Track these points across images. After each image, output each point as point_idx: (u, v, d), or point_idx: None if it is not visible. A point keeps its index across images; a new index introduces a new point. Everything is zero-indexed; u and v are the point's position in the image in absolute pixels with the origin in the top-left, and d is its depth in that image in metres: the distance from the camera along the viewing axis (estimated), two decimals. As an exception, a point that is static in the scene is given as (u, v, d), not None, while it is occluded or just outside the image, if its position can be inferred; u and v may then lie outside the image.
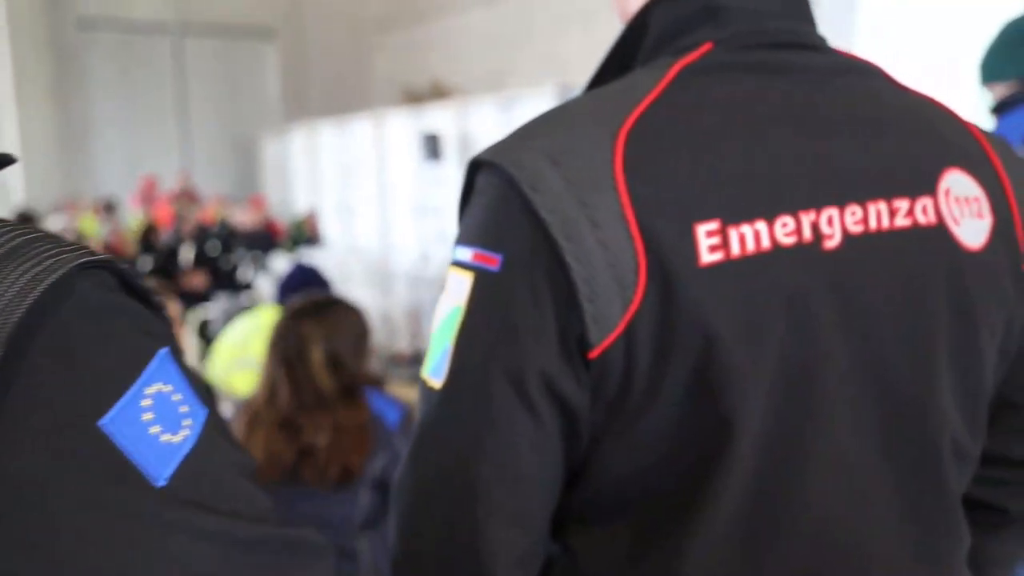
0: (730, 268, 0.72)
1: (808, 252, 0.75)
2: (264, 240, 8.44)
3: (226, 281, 7.40)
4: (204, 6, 14.88)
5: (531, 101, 10.64)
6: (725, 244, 0.72)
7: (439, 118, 11.92)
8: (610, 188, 0.72)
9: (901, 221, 0.79)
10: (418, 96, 13.80)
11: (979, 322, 0.83)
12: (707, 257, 0.72)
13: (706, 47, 0.81)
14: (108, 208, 10.47)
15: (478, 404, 0.71)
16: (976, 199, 0.84)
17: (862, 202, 0.78)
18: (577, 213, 0.71)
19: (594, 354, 0.71)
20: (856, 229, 0.77)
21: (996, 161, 0.88)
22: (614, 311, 0.71)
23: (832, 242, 0.76)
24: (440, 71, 14.39)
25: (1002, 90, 2.32)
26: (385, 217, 13.06)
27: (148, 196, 11.45)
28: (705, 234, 0.72)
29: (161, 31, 14.72)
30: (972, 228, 0.83)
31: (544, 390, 0.71)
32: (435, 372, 0.75)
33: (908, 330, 0.79)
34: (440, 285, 0.89)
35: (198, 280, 7.35)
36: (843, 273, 0.77)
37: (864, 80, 0.85)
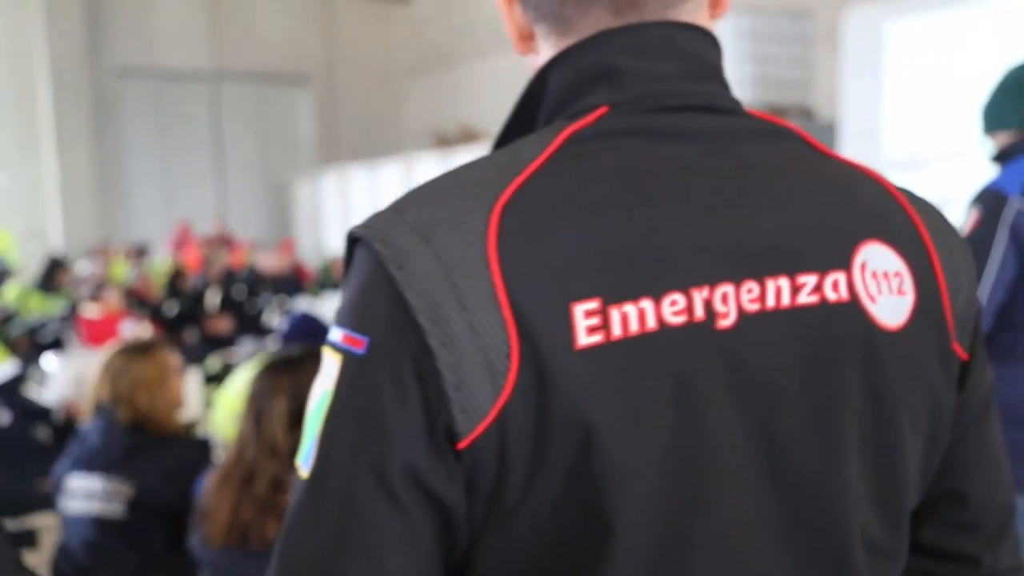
0: (611, 351, 0.67)
1: (700, 332, 0.70)
2: (291, 284, 8.50)
3: (251, 325, 7.44)
4: (240, 54, 15.16)
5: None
6: (605, 325, 0.67)
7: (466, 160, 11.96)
8: (482, 267, 0.67)
9: (806, 298, 0.74)
10: (447, 140, 13.90)
11: (897, 407, 0.76)
12: (584, 339, 0.67)
13: (600, 111, 0.76)
14: (139, 253, 10.62)
15: (342, 500, 0.67)
16: (897, 274, 0.78)
17: (760, 278, 0.72)
18: (446, 294, 0.66)
19: (463, 445, 0.66)
20: (752, 307, 0.72)
21: (924, 233, 0.81)
22: (484, 399, 0.66)
23: (726, 321, 0.71)
24: (468, 115, 14.49)
25: (1004, 138, 2.27)
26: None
27: (182, 241, 11.60)
28: (583, 314, 0.67)
29: (198, 79, 15.00)
30: (891, 305, 0.77)
31: (412, 485, 0.66)
32: (304, 460, 0.70)
33: (812, 415, 0.73)
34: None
35: (223, 324, 7.40)
36: (739, 354, 0.71)
37: (779, 145, 0.79)
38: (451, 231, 0.69)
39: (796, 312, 0.74)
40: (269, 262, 8.20)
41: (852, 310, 0.75)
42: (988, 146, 2.38)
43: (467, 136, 13.63)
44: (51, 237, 13.15)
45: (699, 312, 0.70)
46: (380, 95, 16.46)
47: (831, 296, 0.75)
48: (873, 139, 7.99)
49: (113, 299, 6.64)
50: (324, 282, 9.16)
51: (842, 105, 8.39)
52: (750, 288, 0.72)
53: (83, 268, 9.22)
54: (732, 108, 0.80)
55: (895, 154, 7.59)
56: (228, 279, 8.07)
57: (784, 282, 0.73)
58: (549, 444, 0.67)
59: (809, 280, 0.74)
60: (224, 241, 10.78)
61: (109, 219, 13.82)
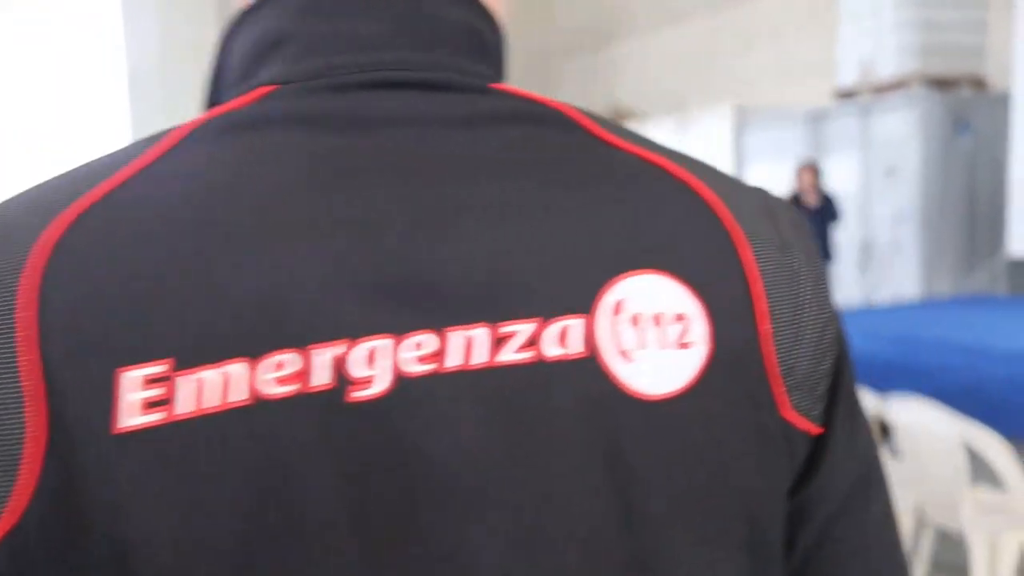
0: (170, 436, 0.47)
1: (318, 405, 0.48)
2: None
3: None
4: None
5: (708, 122, 10.26)
6: (170, 399, 0.47)
7: (615, 142, 11.72)
8: (7, 320, 0.48)
9: (512, 355, 0.51)
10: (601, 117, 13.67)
11: (670, 516, 0.54)
12: (132, 419, 0.47)
13: (260, 92, 0.55)
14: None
15: None
16: (680, 317, 0.54)
17: (439, 328, 0.50)
18: None
19: None
20: (420, 369, 0.50)
21: (746, 255, 0.57)
22: None
23: (369, 389, 0.49)
24: (622, 94, 14.18)
25: None
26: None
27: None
28: (137, 383, 0.47)
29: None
30: (660, 363, 0.53)
31: None
32: None
33: (517, 537, 0.51)
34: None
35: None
36: (390, 440, 0.49)
37: (527, 135, 0.57)
38: None
39: (494, 374, 0.51)
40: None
41: (587, 372, 0.52)
42: None
43: (619, 115, 13.35)
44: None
45: (321, 377, 0.48)
46: (535, 79, 16.39)
47: (552, 352, 0.52)
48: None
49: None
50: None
51: (1017, 75, 7.61)
52: (419, 342, 0.50)
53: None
54: (466, 84, 0.57)
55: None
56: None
57: (480, 333, 0.51)
58: (82, 563, 0.47)
59: (521, 329, 0.52)
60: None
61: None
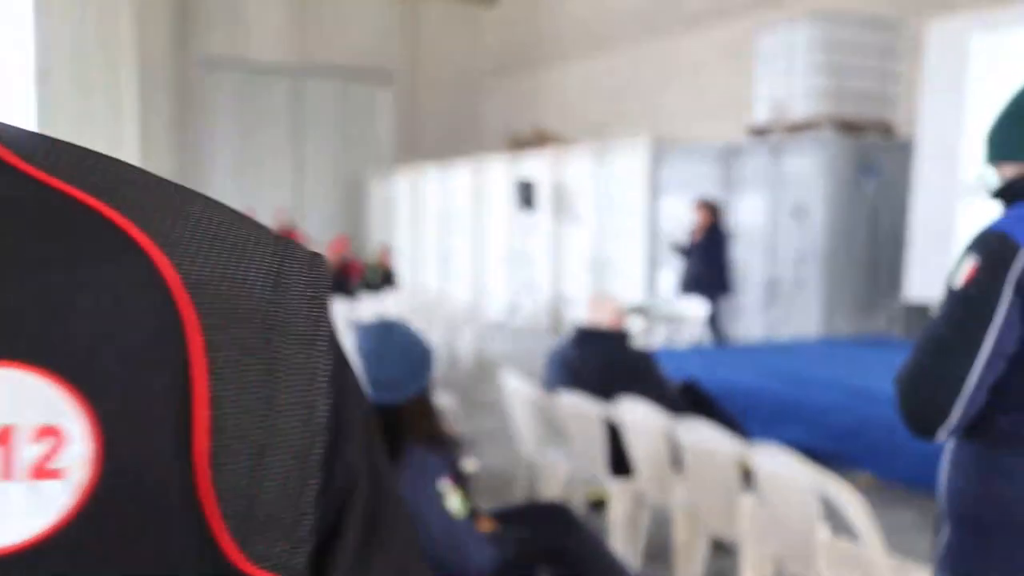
0: None
1: None
2: (338, 281, 8.37)
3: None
4: (324, 50, 15.27)
5: (625, 152, 10.34)
6: None
7: (536, 166, 11.73)
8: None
9: None
10: (522, 142, 13.68)
11: None
12: None
13: None
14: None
15: None
16: (49, 431, 0.38)
17: None
18: None
19: None
20: None
21: (196, 348, 0.41)
22: None
23: None
24: (545, 118, 14.24)
25: (1012, 171, 1.84)
26: (478, 263, 12.95)
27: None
28: None
29: (281, 72, 15.14)
30: (4, 499, 0.38)
31: None
32: None
33: None
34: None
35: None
36: None
37: None
38: None
39: None
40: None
41: None
42: (990, 177, 1.93)
43: (540, 139, 13.38)
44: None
45: None
46: (461, 96, 16.36)
47: None
48: (951, 160, 7.42)
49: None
50: (370, 280, 8.94)
51: (921, 123, 7.83)
52: None
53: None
54: None
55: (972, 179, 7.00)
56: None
57: None
58: None
59: None
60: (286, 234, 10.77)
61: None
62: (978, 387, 1.61)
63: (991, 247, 1.66)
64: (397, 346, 2.52)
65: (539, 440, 4.21)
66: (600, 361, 3.83)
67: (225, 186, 14.68)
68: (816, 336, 8.03)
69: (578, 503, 4.10)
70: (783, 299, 8.53)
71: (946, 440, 1.71)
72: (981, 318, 1.62)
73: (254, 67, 14.95)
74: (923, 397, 1.65)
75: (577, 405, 3.77)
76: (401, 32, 15.94)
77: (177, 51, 13.91)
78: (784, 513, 2.65)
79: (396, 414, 2.47)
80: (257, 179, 15.13)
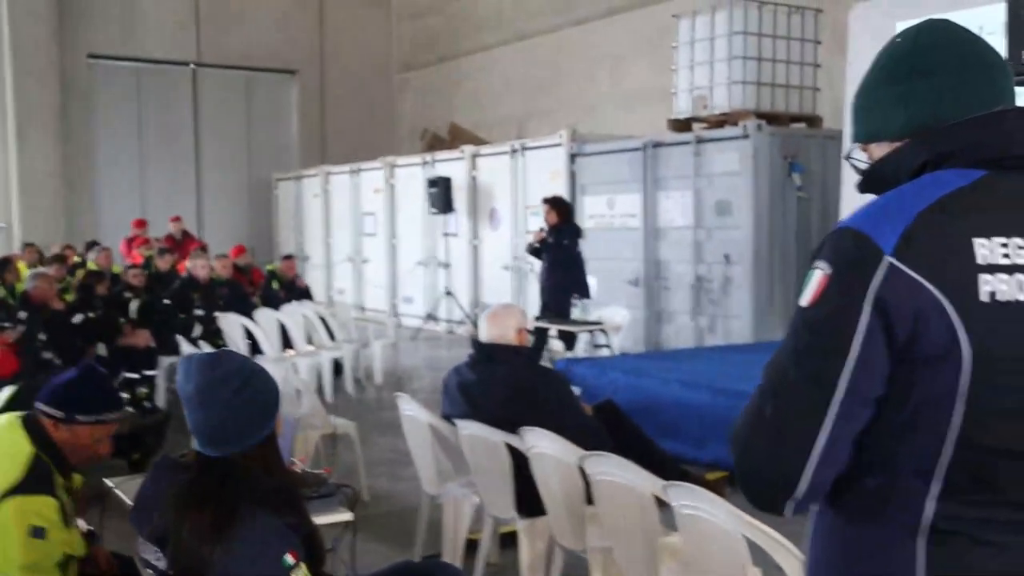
0: None
1: None
2: (229, 294, 7.70)
3: (173, 343, 6.64)
4: (223, 42, 14.48)
5: (542, 150, 9.87)
6: None
7: (451, 165, 11.20)
8: None
9: None
10: (438, 139, 13.15)
11: None
12: None
13: None
14: (89, 247, 9.87)
15: None
16: None
17: None
18: None
19: None
20: None
21: None
22: None
23: None
24: (462, 114, 13.72)
25: (879, 151, 1.32)
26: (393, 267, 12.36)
27: (133, 241, 10.86)
28: None
29: (178, 67, 14.37)
30: None
31: None
32: None
33: None
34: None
35: (139, 338, 6.63)
36: None
37: None
38: None
39: None
40: (200, 268, 7.35)
41: None
42: (858, 162, 1.40)
43: (456, 136, 12.87)
44: (12, 231, 12.56)
45: None
46: (372, 91, 15.71)
47: None
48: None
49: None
50: (266, 291, 8.26)
51: (847, 112, 7.49)
52: None
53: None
54: None
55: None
56: (155, 286, 7.32)
57: None
58: None
59: None
60: (178, 243, 10.05)
61: (73, 214, 13.14)
62: (831, 443, 1.14)
63: (845, 252, 1.16)
64: (226, 386, 1.94)
65: (441, 474, 3.66)
66: (502, 386, 3.29)
67: (117, 188, 13.90)
68: (747, 340, 7.64)
69: (486, 538, 3.52)
70: (711, 300, 8.12)
71: (793, 516, 1.22)
72: (832, 351, 1.14)
73: (147, 61, 14.19)
74: (760, 460, 1.18)
75: (478, 437, 3.24)
76: (305, 24, 15.25)
77: (60, 43, 12.95)
78: (710, 558, 2.30)
79: (227, 469, 1.91)
80: (156, 181, 14.31)
